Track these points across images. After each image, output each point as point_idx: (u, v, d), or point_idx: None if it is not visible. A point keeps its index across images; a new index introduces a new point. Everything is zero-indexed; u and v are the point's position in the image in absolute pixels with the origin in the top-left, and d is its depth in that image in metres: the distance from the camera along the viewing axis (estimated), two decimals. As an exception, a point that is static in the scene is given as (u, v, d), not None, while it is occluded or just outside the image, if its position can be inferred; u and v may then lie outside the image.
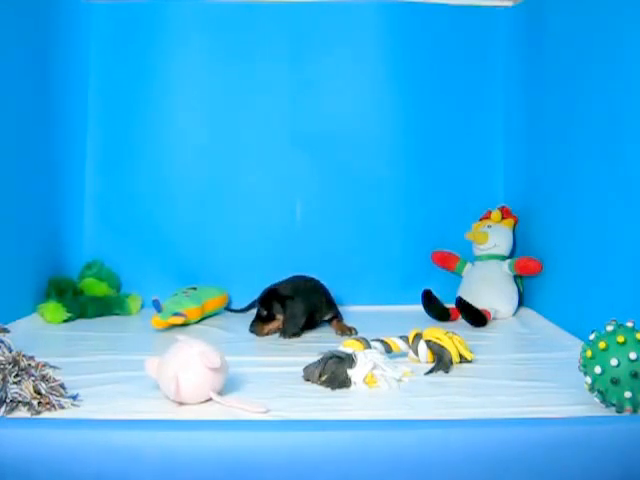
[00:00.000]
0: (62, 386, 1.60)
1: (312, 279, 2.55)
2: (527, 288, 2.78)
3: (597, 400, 1.57)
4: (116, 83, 2.96)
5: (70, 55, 2.85)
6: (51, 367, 1.68)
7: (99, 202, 2.96)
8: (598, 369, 1.51)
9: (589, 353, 1.54)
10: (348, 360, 1.79)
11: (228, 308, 2.82)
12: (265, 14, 2.93)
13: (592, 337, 1.57)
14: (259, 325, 2.42)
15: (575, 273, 2.35)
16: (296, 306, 2.41)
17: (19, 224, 2.48)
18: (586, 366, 1.55)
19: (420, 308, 2.63)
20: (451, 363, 1.95)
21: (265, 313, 2.43)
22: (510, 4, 2.96)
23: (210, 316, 2.69)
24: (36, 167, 2.63)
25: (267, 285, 2.60)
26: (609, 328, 1.55)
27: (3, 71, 2.36)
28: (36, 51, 2.60)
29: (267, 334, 2.41)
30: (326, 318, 2.53)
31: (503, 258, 2.81)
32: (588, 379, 1.55)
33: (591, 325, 1.63)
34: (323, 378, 1.76)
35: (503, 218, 2.88)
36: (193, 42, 2.94)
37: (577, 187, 2.35)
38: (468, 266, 2.87)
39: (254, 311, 2.72)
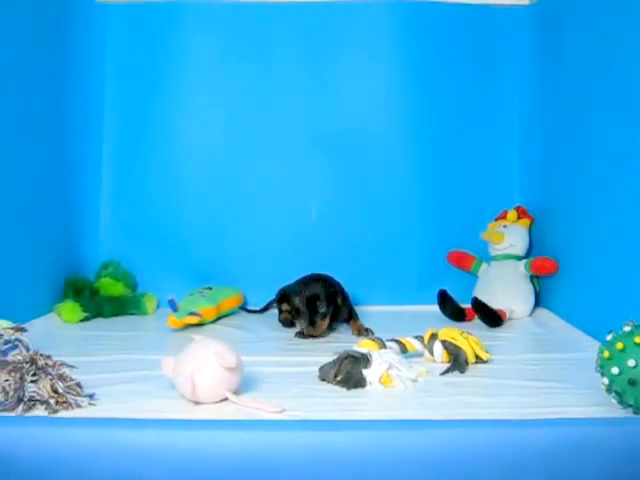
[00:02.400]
0: (79, 385, 1.61)
1: (324, 276, 2.52)
2: (543, 288, 2.77)
3: (614, 401, 1.56)
4: (131, 83, 2.97)
5: (85, 56, 2.86)
6: (68, 366, 1.69)
7: (115, 202, 2.97)
8: (615, 370, 1.50)
9: (606, 354, 1.53)
10: (363, 360, 1.79)
11: (245, 308, 2.82)
12: (281, 14, 2.93)
13: (609, 338, 1.56)
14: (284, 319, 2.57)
15: (592, 273, 2.33)
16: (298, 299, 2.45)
17: (36, 225, 2.50)
18: (603, 367, 1.54)
19: (436, 308, 2.62)
20: (467, 363, 1.94)
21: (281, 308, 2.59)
22: (526, 3, 2.94)
23: (225, 316, 2.69)
24: (52, 168, 2.64)
25: (282, 285, 2.64)
26: (626, 329, 1.54)
27: (18, 73, 2.38)
28: (51, 52, 2.61)
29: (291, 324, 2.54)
30: (344, 316, 2.52)
31: (519, 258, 2.80)
32: (605, 380, 1.54)
33: (608, 325, 1.61)
34: (338, 378, 1.76)
35: (519, 218, 2.86)
36: (208, 42, 2.95)
37: (593, 186, 2.33)
38: (484, 266, 2.86)
39: (271, 312, 2.75)
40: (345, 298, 2.49)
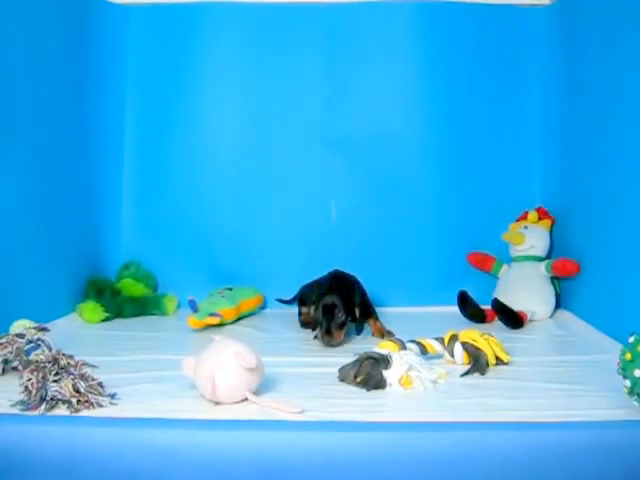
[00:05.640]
0: (100, 385, 1.62)
1: (342, 280, 2.44)
2: (564, 290, 2.75)
3: (636, 404, 1.55)
4: (152, 84, 2.99)
5: (106, 58, 2.88)
6: (90, 366, 1.71)
7: (136, 204, 2.99)
8: (638, 372, 1.49)
9: (628, 356, 1.52)
10: (383, 361, 1.78)
11: (280, 299, 2.83)
12: (299, 16, 2.93)
13: (631, 340, 1.54)
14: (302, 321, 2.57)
15: (613, 274, 2.31)
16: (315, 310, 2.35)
17: (58, 226, 2.52)
18: (625, 369, 1.53)
19: (456, 309, 2.61)
20: (487, 365, 1.93)
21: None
22: (547, 2, 2.92)
23: (246, 316, 2.70)
24: (74, 169, 2.66)
25: (301, 284, 2.67)
26: (649, 331, 1.53)
27: (40, 76, 2.40)
28: (72, 54, 2.63)
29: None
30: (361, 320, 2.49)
31: (540, 259, 2.79)
32: (627, 382, 1.53)
33: (630, 327, 1.60)
34: (358, 379, 1.76)
35: (540, 219, 2.85)
36: (228, 43, 2.96)
37: (615, 187, 2.31)
38: (504, 267, 2.85)
39: (290, 313, 2.75)
40: (365, 304, 2.41)
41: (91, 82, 2.78)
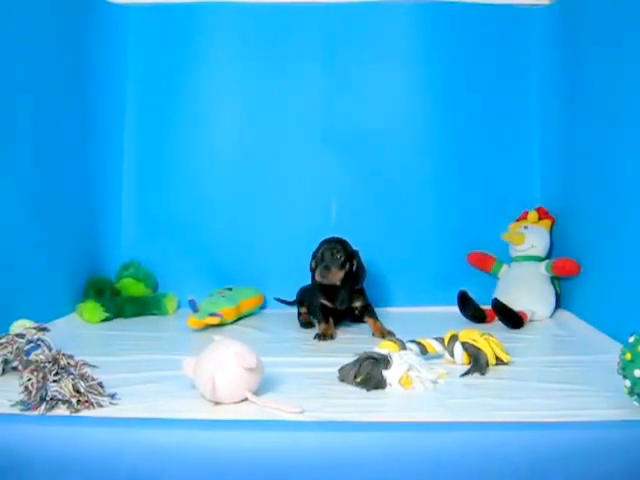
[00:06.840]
0: (100, 385, 1.62)
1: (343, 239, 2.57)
2: (564, 290, 2.75)
3: (636, 404, 1.55)
4: (152, 84, 2.99)
5: (106, 58, 2.89)
6: (90, 366, 1.71)
7: (137, 204, 2.99)
8: (638, 372, 1.49)
9: (628, 356, 1.52)
10: (383, 361, 1.78)
11: (278, 299, 2.84)
12: (299, 15, 2.93)
13: (631, 340, 1.54)
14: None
15: (613, 274, 2.31)
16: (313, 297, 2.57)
17: (58, 226, 2.53)
18: (625, 369, 1.53)
19: (456, 309, 2.61)
20: (487, 365, 1.93)
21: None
22: (547, 2, 2.92)
23: (245, 316, 2.70)
24: (74, 169, 2.67)
25: (302, 285, 2.66)
26: (649, 331, 1.53)
27: (41, 75, 2.40)
28: (72, 54, 2.64)
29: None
30: (357, 304, 2.54)
31: (540, 259, 2.79)
32: (627, 382, 1.53)
33: (630, 327, 1.60)
34: (358, 379, 1.76)
35: (540, 219, 2.85)
36: (227, 43, 2.96)
37: (615, 187, 2.31)
38: (504, 267, 2.85)
39: (290, 313, 2.75)
40: (361, 268, 2.52)
41: (91, 82, 2.78)
